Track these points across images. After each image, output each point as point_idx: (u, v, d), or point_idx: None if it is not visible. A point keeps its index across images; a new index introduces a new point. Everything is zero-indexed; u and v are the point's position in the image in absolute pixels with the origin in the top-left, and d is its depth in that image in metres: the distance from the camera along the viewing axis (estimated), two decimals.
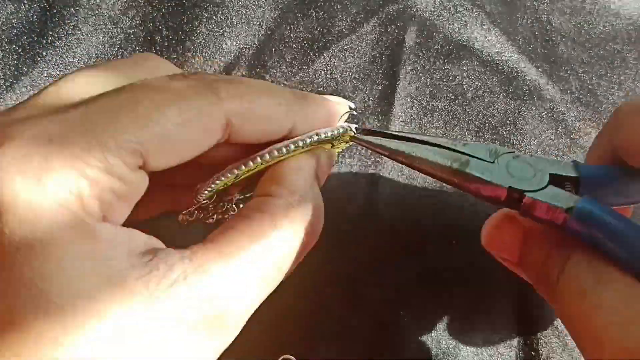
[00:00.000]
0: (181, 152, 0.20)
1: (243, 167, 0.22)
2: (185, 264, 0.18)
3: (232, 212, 0.26)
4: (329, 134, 0.23)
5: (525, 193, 0.21)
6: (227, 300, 0.19)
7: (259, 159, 0.22)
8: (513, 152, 0.23)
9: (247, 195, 0.27)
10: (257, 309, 0.30)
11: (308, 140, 0.23)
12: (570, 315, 0.23)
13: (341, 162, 0.32)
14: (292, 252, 0.21)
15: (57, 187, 0.17)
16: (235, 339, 0.30)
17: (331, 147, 0.25)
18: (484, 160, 0.22)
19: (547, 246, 0.24)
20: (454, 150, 0.23)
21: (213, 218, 0.26)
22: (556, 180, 0.22)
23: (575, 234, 0.21)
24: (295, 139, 0.23)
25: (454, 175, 0.22)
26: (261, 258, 0.20)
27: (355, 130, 0.24)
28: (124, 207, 0.19)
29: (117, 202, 0.19)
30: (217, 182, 0.23)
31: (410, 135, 0.23)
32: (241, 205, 0.26)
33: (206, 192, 0.24)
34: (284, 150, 0.22)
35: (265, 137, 0.22)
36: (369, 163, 0.32)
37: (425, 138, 0.23)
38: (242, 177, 0.24)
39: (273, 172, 0.22)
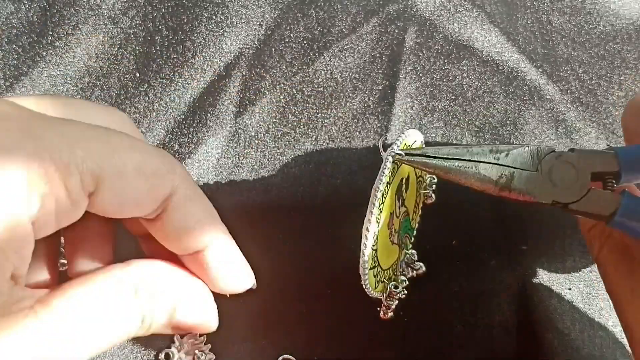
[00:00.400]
0: (126, 201, 0.19)
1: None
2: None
3: (402, 285, 0.28)
4: (386, 172, 0.23)
5: (568, 205, 0.23)
6: None
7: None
8: (553, 150, 0.24)
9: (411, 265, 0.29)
10: (257, 309, 0.30)
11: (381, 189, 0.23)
12: (608, 288, 0.25)
13: (342, 160, 0.32)
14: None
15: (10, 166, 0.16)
16: (236, 339, 0.30)
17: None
18: (527, 170, 0.23)
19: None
20: (498, 164, 0.23)
21: (403, 291, 0.28)
22: (598, 176, 0.23)
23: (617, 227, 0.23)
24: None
25: (500, 191, 0.23)
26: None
27: (400, 154, 0.24)
28: (52, 225, 0.18)
29: (52, 216, 0.18)
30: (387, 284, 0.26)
31: (451, 155, 0.24)
32: (404, 280, 0.28)
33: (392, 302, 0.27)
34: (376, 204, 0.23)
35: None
36: (369, 163, 0.32)
37: (466, 155, 0.24)
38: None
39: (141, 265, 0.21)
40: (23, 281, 0.18)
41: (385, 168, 0.23)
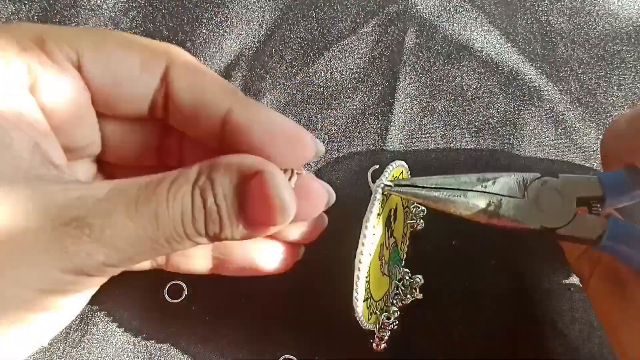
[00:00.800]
0: (118, 77, 0.20)
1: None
2: None
3: (393, 316, 0.28)
4: (376, 204, 0.24)
5: (556, 230, 0.23)
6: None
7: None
8: (539, 177, 0.24)
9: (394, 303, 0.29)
10: (257, 310, 0.30)
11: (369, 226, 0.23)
12: (599, 313, 0.26)
13: (342, 160, 0.33)
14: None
15: None
16: (236, 339, 0.30)
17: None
18: (515, 197, 0.24)
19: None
20: (486, 192, 0.24)
21: (396, 322, 0.28)
22: (583, 201, 0.24)
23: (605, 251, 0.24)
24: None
25: (489, 219, 0.24)
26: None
27: (389, 185, 0.24)
28: (53, 97, 0.20)
29: (44, 80, 0.19)
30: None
31: (439, 185, 0.24)
32: (395, 311, 0.29)
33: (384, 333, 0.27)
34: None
35: (201, 115, 0.22)
36: (369, 163, 0.32)
37: (454, 185, 0.24)
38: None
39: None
40: (51, 158, 0.19)
41: (375, 200, 0.24)
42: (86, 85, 0.21)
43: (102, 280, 0.20)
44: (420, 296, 0.29)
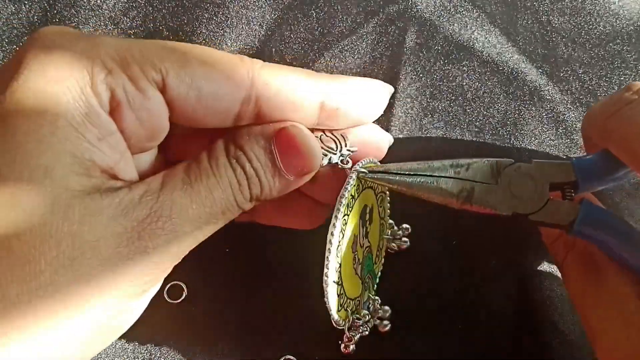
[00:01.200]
0: (203, 94, 0.21)
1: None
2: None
3: (363, 319, 0.28)
4: (351, 182, 0.24)
5: (528, 216, 0.23)
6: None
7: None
8: (513, 162, 0.24)
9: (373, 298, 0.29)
10: (257, 310, 0.30)
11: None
12: (573, 296, 0.26)
13: None
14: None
15: (73, 62, 0.19)
16: (236, 339, 0.30)
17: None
18: (487, 183, 0.24)
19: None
20: (459, 178, 0.24)
21: (367, 327, 0.28)
22: (557, 185, 0.24)
23: (578, 236, 0.24)
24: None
25: (461, 205, 0.24)
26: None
27: (364, 171, 0.25)
28: (133, 120, 0.20)
29: (127, 106, 0.20)
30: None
31: (412, 171, 0.24)
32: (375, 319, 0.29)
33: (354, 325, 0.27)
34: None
35: (294, 110, 0.23)
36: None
37: (427, 171, 0.24)
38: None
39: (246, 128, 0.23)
40: (119, 175, 0.20)
41: (348, 184, 0.24)
42: (169, 104, 0.21)
43: None
44: (387, 328, 0.29)
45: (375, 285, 0.30)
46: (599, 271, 0.24)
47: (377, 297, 0.29)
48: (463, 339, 0.30)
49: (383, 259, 0.31)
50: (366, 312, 0.28)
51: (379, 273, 0.31)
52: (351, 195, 0.24)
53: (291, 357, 0.29)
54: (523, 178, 0.24)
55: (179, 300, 0.30)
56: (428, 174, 0.24)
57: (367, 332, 0.28)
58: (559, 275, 0.31)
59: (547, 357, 0.30)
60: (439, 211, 0.31)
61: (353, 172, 0.25)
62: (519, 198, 0.24)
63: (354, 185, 0.25)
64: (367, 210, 0.27)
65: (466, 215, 0.31)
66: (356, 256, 0.27)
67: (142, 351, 0.29)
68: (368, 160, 0.26)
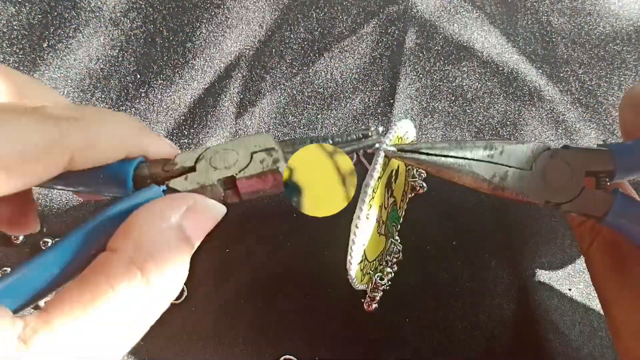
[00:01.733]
0: (13, 179, 0.18)
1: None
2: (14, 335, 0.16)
3: (387, 277, 0.27)
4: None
5: (561, 205, 0.22)
6: None
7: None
8: (548, 147, 0.23)
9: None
10: (257, 309, 0.30)
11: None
12: (595, 283, 0.25)
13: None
14: (139, 313, 0.18)
15: None
16: (236, 339, 0.30)
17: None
18: (521, 169, 0.23)
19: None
20: (492, 162, 0.23)
21: (380, 289, 0.28)
22: (592, 173, 0.23)
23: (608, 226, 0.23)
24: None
25: (493, 190, 0.23)
26: (97, 324, 0.17)
27: (392, 150, 0.23)
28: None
29: None
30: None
31: (447, 152, 0.23)
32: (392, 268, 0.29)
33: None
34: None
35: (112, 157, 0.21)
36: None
37: (459, 151, 0.23)
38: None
39: (125, 223, 0.19)
40: None
41: (376, 164, 0.23)
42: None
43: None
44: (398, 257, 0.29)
45: (399, 226, 0.29)
46: (625, 261, 0.24)
47: (397, 239, 0.28)
48: (462, 339, 0.30)
49: (407, 199, 0.30)
50: (389, 269, 0.27)
51: (403, 213, 0.30)
52: (378, 177, 0.23)
53: (291, 357, 0.29)
54: (559, 165, 0.23)
55: (179, 301, 0.30)
56: (460, 155, 0.23)
57: (388, 287, 0.27)
58: (559, 275, 0.31)
59: (547, 357, 0.30)
60: (440, 213, 0.31)
61: (380, 151, 0.23)
62: (553, 186, 0.23)
63: (382, 165, 0.23)
64: (393, 174, 0.26)
65: (466, 215, 0.32)
66: (380, 221, 0.26)
67: (142, 351, 0.29)
68: (395, 132, 0.24)
